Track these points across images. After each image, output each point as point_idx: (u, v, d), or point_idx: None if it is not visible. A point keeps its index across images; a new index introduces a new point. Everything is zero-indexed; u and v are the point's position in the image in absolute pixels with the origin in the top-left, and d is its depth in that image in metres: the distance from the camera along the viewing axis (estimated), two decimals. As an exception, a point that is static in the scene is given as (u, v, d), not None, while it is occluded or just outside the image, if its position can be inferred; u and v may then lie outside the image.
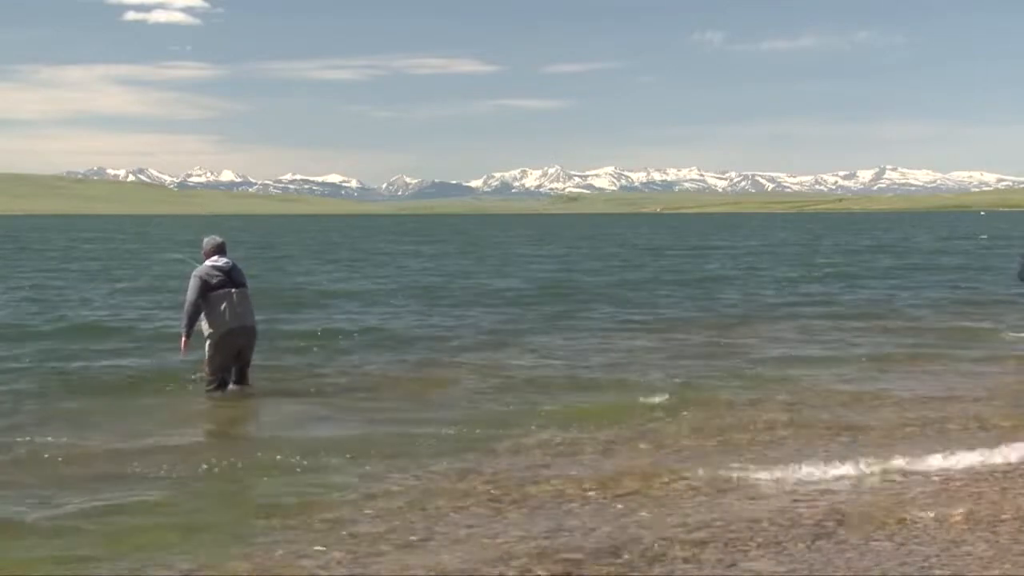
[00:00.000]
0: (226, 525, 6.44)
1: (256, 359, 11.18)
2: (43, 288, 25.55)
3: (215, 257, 10.71)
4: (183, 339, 10.62)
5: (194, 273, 10.65)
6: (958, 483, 7.23)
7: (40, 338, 15.49)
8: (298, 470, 7.79)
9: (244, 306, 10.67)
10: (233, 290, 10.59)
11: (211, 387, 10.69)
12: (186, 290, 10.66)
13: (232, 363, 10.78)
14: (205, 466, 7.86)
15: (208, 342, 10.64)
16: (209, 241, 10.88)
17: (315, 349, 14.18)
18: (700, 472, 7.48)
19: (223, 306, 10.51)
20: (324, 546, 5.99)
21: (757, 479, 7.32)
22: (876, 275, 30.19)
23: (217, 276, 10.58)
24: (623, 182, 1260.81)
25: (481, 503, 6.86)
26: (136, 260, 41.60)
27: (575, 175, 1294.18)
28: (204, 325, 10.62)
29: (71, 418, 9.74)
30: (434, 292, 24.53)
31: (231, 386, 10.79)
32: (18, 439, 8.69)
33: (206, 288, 10.50)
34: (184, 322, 10.57)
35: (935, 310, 19.73)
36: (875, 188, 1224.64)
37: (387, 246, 59.31)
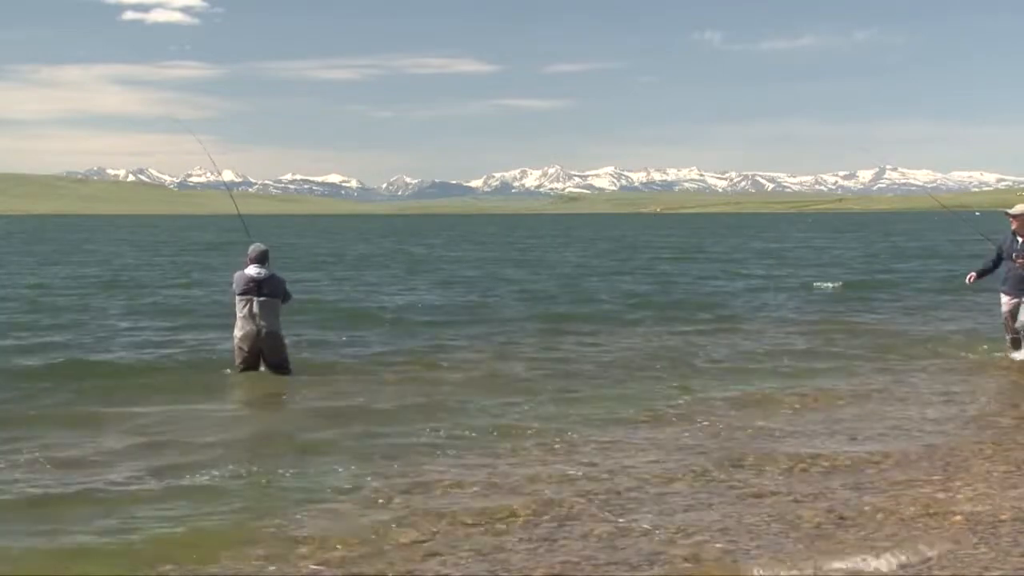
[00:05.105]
0: (234, 528, 6.32)
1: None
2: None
3: (254, 266, 11.55)
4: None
5: (234, 275, 11.73)
6: None
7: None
8: (312, 472, 7.70)
9: (264, 314, 11.46)
10: (255, 299, 11.45)
11: (239, 369, 11.69)
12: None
13: (254, 363, 11.62)
14: (232, 465, 7.73)
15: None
16: (253, 249, 11.68)
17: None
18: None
19: (243, 311, 11.49)
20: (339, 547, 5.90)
21: None
22: None
23: (247, 283, 11.49)
24: (623, 182, 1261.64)
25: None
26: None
27: (575, 175, 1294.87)
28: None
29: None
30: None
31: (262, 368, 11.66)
32: (22, 450, 8.54)
33: (236, 291, 11.54)
34: None
35: None
36: (875, 188, 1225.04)
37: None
